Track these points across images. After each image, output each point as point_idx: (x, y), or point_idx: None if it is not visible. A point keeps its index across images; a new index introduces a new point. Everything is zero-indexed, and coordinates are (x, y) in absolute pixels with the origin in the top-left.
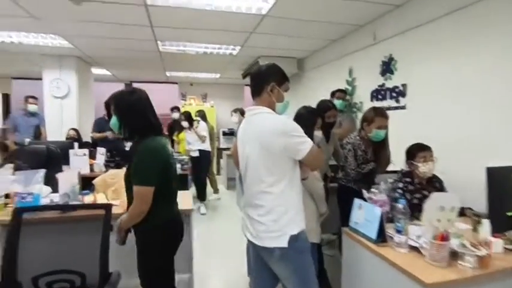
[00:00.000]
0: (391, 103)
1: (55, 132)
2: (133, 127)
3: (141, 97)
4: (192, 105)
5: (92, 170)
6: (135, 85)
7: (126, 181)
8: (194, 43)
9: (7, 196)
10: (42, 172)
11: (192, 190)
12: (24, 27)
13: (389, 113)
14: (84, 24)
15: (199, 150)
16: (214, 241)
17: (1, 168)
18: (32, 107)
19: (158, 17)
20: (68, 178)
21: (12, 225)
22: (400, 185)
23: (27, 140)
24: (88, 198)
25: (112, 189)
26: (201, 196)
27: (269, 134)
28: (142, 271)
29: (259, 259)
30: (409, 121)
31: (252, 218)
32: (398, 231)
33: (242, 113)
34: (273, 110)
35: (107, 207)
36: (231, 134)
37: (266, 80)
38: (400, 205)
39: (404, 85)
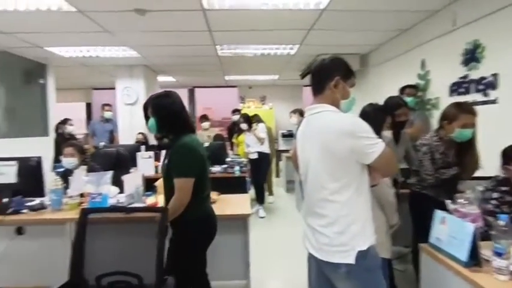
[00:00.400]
0: (477, 97)
1: (126, 136)
2: (169, 127)
3: (175, 99)
4: (250, 108)
5: (156, 171)
6: (197, 90)
7: (165, 178)
8: (251, 45)
9: (82, 195)
10: (109, 174)
11: (249, 194)
12: (100, 42)
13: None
14: (148, 34)
15: (258, 153)
16: (273, 246)
17: (77, 170)
18: (107, 114)
19: (216, 21)
20: (132, 180)
21: (79, 224)
22: (495, 194)
23: (102, 144)
24: (150, 200)
25: None
26: (260, 199)
27: (333, 135)
28: (173, 264)
29: (322, 274)
30: (503, 118)
31: (314, 228)
32: (499, 254)
33: (301, 113)
34: (337, 108)
35: (163, 211)
36: (289, 135)
37: (329, 75)
38: (502, 221)
39: (495, 75)
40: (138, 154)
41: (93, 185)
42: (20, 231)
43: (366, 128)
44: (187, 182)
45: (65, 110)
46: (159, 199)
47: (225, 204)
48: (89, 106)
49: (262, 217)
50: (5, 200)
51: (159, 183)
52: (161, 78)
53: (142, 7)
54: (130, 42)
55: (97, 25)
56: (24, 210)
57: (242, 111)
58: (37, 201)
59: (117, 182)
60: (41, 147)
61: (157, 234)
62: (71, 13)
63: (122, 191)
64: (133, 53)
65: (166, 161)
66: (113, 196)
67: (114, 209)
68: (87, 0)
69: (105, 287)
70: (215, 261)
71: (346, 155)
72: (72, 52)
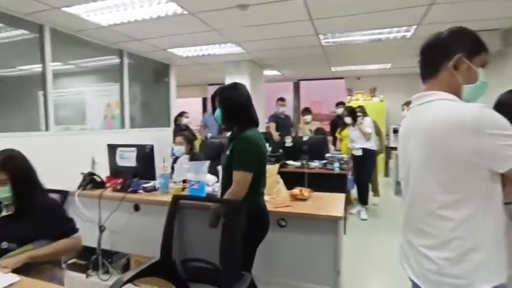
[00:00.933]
0: None
1: None
2: (233, 119)
3: (242, 92)
4: (359, 101)
5: None
6: (302, 83)
7: (225, 169)
8: (359, 31)
9: (184, 181)
10: (207, 163)
11: (351, 193)
12: (210, 40)
13: None
14: (250, 29)
15: (363, 149)
16: (372, 254)
17: (180, 158)
18: None
19: (316, 8)
20: None
21: (170, 209)
22: None
23: (209, 135)
24: None
25: None
26: (362, 199)
27: (447, 131)
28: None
29: None
30: None
31: (416, 248)
32: None
33: None
34: (457, 95)
35: (240, 205)
36: None
37: (448, 52)
38: None
39: None
40: None
41: (193, 173)
42: (136, 208)
43: (500, 122)
44: (245, 175)
45: (184, 104)
46: None
47: (317, 203)
48: (204, 101)
49: (363, 219)
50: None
51: None
52: (267, 72)
53: (244, 2)
54: (235, 39)
55: (206, 25)
56: (140, 191)
57: (349, 104)
58: (151, 183)
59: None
60: (166, 136)
61: (232, 228)
62: (183, 16)
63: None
64: (238, 49)
65: (228, 152)
66: (211, 184)
67: (200, 198)
68: (195, 2)
69: (189, 270)
70: (302, 260)
71: (467, 158)
72: (188, 52)
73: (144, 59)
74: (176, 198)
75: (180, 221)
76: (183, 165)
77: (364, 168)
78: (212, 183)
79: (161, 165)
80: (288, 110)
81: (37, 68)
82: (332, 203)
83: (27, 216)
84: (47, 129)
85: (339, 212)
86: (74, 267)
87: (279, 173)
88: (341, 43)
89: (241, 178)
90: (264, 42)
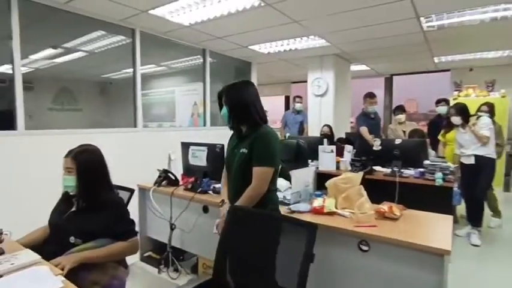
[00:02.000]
0: None
1: (315, 128)
2: (240, 117)
3: (250, 90)
4: (470, 97)
5: (338, 167)
6: (395, 78)
7: (238, 168)
8: (474, 8)
9: None
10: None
11: (458, 209)
12: (290, 34)
13: None
14: (334, 17)
15: (476, 156)
16: None
17: None
18: (297, 106)
19: None
20: (303, 176)
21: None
22: None
23: (287, 135)
24: (317, 202)
25: (343, 196)
26: (474, 219)
27: None
28: None
29: None
30: None
31: None
32: None
33: None
34: None
35: (311, 227)
36: None
37: None
38: None
39: None
40: (320, 147)
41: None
42: (205, 209)
43: None
44: (268, 171)
45: (266, 103)
46: (327, 202)
47: (411, 225)
48: (287, 99)
49: (475, 245)
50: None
51: (330, 184)
52: (354, 67)
53: None
54: (318, 30)
55: (285, 16)
56: (210, 191)
57: (456, 101)
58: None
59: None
60: None
61: (303, 252)
62: (261, 8)
63: None
64: (321, 41)
65: (243, 150)
66: (283, 190)
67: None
68: None
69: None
70: None
71: None
72: (269, 48)
73: (225, 58)
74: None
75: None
76: None
77: (478, 180)
78: (284, 189)
79: None
80: (377, 108)
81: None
82: (434, 228)
83: (92, 212)
84: (135, 125)
85: (445, 242)
86: (149, 260)
87: (364, 180)
88: (449, 26)
89: (264, 174)
90: (351, 32)
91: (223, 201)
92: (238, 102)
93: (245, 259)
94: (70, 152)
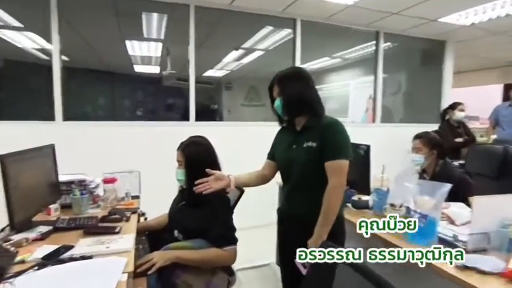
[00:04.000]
0: None
1: None
2: (300, 109)
3: (306, 77)
4: None
5: None
6: None
7: (308, 164)
8: None
9: (392, 205)
10: (446, 188)
11: None
12: None
13: None
14: None
15: None
16: None
17: (403, 171)
18: None
19: None
20: (497, 205)
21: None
22: None
23: (493, 137)
24: None
25: None
26: None
27: None
28: None
29: None
30: None
31: None
32: None
33: None
34: None
35: None
36: None
37: None
38: None
39: None
40: None
41: (422, 197)
42: None
43: None
44: (346, 164)
45: (472, 94)
46: None
47: None
48: (507, 88)
49: None
50: None
51: None
52: None
53: None
54: None
55: None
56: (349, 204)
57: None
58: (364, 197)
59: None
60: None
61: None
62: None
63: None
64: None
65: (309, 143)
66: (459, 224)
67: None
68: None
69: None
70: None
71: None
72: (473, 16)
73: (406, 39)
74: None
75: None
76: (403, 183)
77: None
78: (462, 222)
79: (380, 176)
80: None
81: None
82: None
83: (196, 209)
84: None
85: None
86: None
87: None
88: None
89: (343, 167)
90: None
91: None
92: (295, 92)
93: None
94: (181, 144)
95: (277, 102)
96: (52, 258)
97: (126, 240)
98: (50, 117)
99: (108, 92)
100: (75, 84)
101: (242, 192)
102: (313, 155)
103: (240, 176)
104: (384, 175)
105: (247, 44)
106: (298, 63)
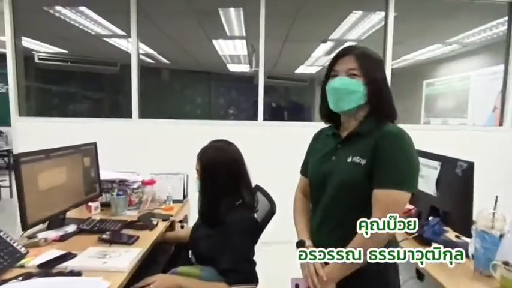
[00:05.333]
0: None
1: None
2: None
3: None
4: None
5: None
6: None
7: (347, 187)
8: None
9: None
10: None
11: None
12: None
13: None
14: None
15: None
16: None
17: None
18: None
19: None
20: None
21: None
22: None
23: None
24: None
25: None
26: None
27: None
28: None
29: None
30: None
31: None
32: None
33: None
34: None
35: None
36: None
37: None
38: None
39: None
40: None
41: None
42: (420, 275)
43: None
44: (404, 199)
45: None
46: None
47: None
48: None
49: None
50: None
51: None
52: None
53: None
54: None
55: None
56: (435, 243)
57: None
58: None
59: None
60: None
61: None
62: None
63: None
64: None
65: (354, 159)
66: None
67: None
68: None
69: None
70: None
71: None
72: None
73: None
74: None
75: None
76: None
77: None
78: None
79: (490, 212)
80: None
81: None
82: None
83: (211, 229)
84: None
85: None
86: None
87: None
88: None
89: (399, 202)
90: None
91: (303, 243)
92: (383, 78)
93: None
94: (200, 150)
95: (345, 81)
96: (47, 267)
97: (127, 257)
98: (149, 115)
99: (205, 91)
100: (179, 84)
101: (274, 211)
102: (358, 176)
103: (306, 232)
104: (498, 211)
105: (335, 35)
106: (389, 56)
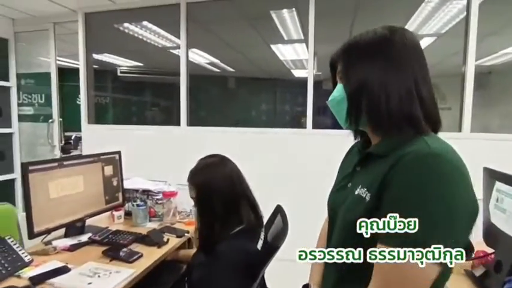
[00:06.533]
0: None
1: None
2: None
3: (405, 51)
4: None
5: None
6: None
7: (351, 230)
8: None
9: None
10: None
11: None
12: None
13: None
14: None
15: None
16: None
17: None
18: None
19: None
20: None
21: None
22: None
23: None
24: None
25: None
26: None
27: None
28: None
29: None
30: None
31: None
32: None
33: None
34: None
35: None
36: None
37: None
38: None
39: None
40: None
41: None
42: None
43: None
44: (427, 270)
45: None
46: None
47: None
48: None
49: None
50: None
51: None
52: None
53: None
54: None
55: None
56: None
57: None
58: None
59: None
60: None
61: None
62: None
63: None
64: None
65: (359, 190)
66: None
67: None
68: None
69: None
70: None
71: None
72: None
73: None
74: None
75: None
76: None
77: None
78: None
79: None
80: None
81: None
82: None
83: (205, 258)
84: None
85: None
86: None
87: None
88: None
89: (414, 277)
90: None
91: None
92: (363, 77)
93: None
94: (190, 172)
95: (336, 92)
96: (36, 281)
97: (115, 279)
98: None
99: (271, 98)
100: (245, 91)
101: (275, 250)
102: (358, 216)
103: (317, 275)
104: None
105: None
106: (472, 51)
